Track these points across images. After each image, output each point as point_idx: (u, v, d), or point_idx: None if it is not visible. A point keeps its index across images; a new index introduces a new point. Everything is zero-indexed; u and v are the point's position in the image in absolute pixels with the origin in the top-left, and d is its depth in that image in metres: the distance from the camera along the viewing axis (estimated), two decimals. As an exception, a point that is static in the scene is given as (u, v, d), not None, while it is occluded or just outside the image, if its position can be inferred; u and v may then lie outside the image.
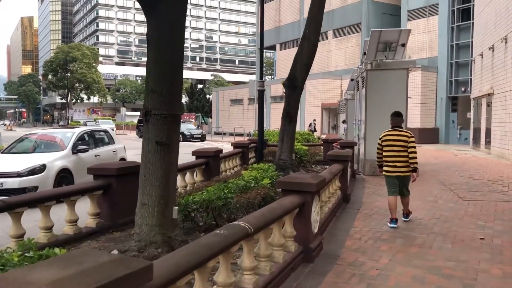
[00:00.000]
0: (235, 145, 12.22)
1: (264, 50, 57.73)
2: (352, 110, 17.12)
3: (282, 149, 11.32)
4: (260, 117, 14.87)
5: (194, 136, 36.03)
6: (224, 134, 43.21)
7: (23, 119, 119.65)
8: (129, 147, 30.20)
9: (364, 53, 13.39)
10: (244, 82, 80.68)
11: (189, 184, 8.65)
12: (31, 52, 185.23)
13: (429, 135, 29.24)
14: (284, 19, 48.06)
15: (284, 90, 11.53)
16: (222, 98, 48.87)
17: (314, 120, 33.52)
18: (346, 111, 18.05)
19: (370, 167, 12.27)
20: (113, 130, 54.30)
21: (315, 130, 30.66)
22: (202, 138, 36.50)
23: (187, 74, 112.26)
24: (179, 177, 7.85)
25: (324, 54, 41.96)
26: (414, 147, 6.87)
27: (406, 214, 7.24)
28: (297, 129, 34.90)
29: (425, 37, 31.68)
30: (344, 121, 20.18)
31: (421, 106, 29.32)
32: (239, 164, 11.96)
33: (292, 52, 48.36)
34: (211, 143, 30.57)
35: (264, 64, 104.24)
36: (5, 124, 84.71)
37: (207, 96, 53.91)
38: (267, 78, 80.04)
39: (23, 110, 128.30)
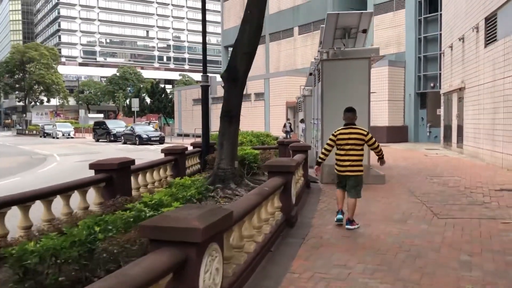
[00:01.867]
0: (166, 151, 10.10)
1: (230, 48, 55.96)
2: (310, 108, 15.25)
3: (222, 156, 9.30)
4: (205, 116, 12.86)
5: (152, 138, 33.66)
6: (187, 135, 40.92)
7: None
8: (76, 151, 27.93)
9: (320, 42, 11.52)
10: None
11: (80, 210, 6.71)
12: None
13: (398, 134, 27.75)
14: (249, 16, 46.11)
15: (223, 84, 9.51)
16: (185, 97, 46.52)
17: (288, 119, 31.49)
18: (304, 109, 16.10)
19: (328, 174, 10.38)
20: (69, 134, 51.76)
21: (291, 131, 28.41)
22: (161, 140, 34.14)
23: (154, 74, 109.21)
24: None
25: (290, 52, 40.25)
26: (375, 142, 6.58)
27: (348, 220, 6.56)
28: (263, 130, 33.13)
29: (392, 32, 30.24)
30: (302, 121, 18.15)
31: (388, 103, 27.81)
32: (170, 175, 9.85)
33: (258, 50, 46.61)
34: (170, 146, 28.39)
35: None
36: None
37: (169, 96, 51.44)
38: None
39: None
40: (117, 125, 40.68)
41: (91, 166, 7.18)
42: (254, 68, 41.29)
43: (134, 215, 4.76)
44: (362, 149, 6.60)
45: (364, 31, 10.91)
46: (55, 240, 3.90)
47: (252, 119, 35.26)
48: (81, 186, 6.62)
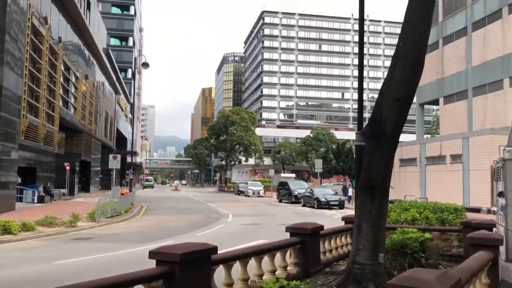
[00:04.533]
0: (291, 230, 7.78)
1: (426, 105, 51.12)
2: (515, 177, 10.99)
3: (359, 244, 6.55)
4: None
5: (330, 202, 31.44)
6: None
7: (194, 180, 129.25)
8: (252, 212, 27.38)
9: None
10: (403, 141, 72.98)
11: (279, 268, 7.03)
12: (208, 119, 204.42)
13: None
14: (448, 70, 41.40)
15: (364, 143, 6.90)
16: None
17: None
18: (504, 178, 11.81)
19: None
20: (259, 192, 53.26)
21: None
22: (340, 205, 31.64)
23: (347, 135, 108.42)
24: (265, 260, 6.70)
25: (498, 107, 34.07)
26: None
27: None
28: (460, 199, 27.69)
29: None
30: (500, 194, 13.55)
31: None
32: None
33: (458, 106, 40.97)
34: (350, 212, 25.81)
35: (434, 121, 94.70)
36: (168, 183, 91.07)
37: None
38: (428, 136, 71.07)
39: (197, 171, 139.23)
40: (299, 186, 39.87)
41: (288, 229, 7.73)
42: (451, 126, 35.92)
43: None
44: None
45: None
46: None
47: (446, 186, 30.17)
48: (283, 247, 7.04)
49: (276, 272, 6.85)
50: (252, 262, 6.38)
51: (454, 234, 9.85)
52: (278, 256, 7.06)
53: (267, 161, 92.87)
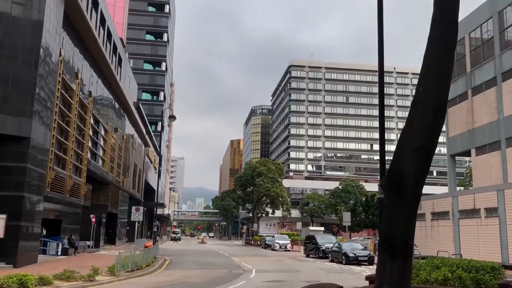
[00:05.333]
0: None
1: (458, 157, 49.61)
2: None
3: (379, 312, 5.85)
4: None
5: (359, 258, 30.04)
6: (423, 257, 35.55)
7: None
8: (276, 268, 26.10)
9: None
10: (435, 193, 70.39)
11: None
12: (236, 170, 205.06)
13: None
14: (478, 120, 40.38)
15: (383, 196, 6.36)
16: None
17: None
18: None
19: None
20: (286, 246, 51.80)
21: None
22: (370, 261, 30.16)
23: (370, 187, 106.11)
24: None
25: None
26: None
27: None
28: (497, 256, 25.99)
29: None
30: None
31: None
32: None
33: (491, 157, 39.49)
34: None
35: (467, 173, 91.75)
36: (196, 235, 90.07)
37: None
38: (461, 188, 68.59)
39: (224, 223, 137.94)
40: (326, 240, 38.50)
41: None
42: (485, 178, 34.44)
43: None
44: None
45: None
46: None
47: (482, 241, 28.51)
48: None
49: None
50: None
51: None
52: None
53: (295, 213, 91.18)
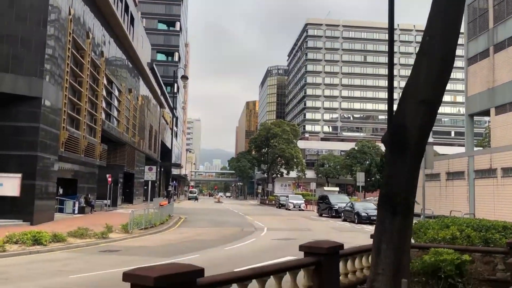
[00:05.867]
0: (305, 249, 7.01)
1: (476, 117, 48.50)
2: None
3: (378, 268, 5.73)
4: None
5: (371, 217, 30.04)
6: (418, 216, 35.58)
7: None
8: (288, 226, 26.42)
9: None
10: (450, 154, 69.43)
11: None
12: (252, 132, 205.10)
13: None
14: (499, 78, 39.14)
15: (384, 152, 6.12)
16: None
17: None
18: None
19: None
20: (300, 206, 52.20)
21: None
22: (382, 220, 30.15)
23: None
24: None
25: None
26: None
27: None
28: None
29: None
30: None
31: None
32: None
33: (511, 117, 38.54)
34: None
35: (486, 133, 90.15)
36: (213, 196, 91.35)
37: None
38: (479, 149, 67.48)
39: (240, 183, 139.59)
40: (339, 200, 38.58)
41: (301, 248, 7.04)
42: (504, 138, 33.72)
43: None
44: None
45: None
46: None
47: (497, 202, 28.15)
48: (293, 268, 6.33)
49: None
50: (255, 285, 5.70)
51: (499, 256, 8.72)
52: (288, 278, 6.36)
53: (310, 174, 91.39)
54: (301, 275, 6.84)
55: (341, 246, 7.42)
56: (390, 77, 9.13)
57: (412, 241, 12.26)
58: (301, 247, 7.10)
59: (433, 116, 5.92)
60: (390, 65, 9.13)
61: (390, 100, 9.25)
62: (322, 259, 6.79)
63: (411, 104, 5.83)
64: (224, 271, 5.67)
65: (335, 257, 7.23)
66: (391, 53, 9.17)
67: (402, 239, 5.76)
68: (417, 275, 7.78)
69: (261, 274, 5.68)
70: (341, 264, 7.81)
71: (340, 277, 7.58)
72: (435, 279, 7.33)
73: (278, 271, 6.04)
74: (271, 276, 5.95)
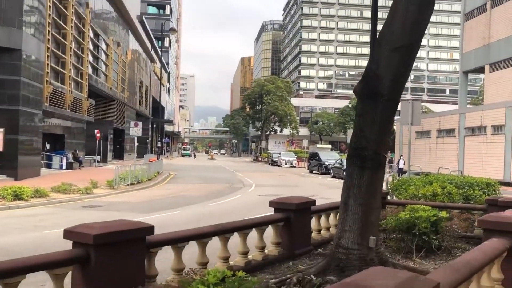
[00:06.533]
0: (275, 205, 6.81)
1: (471, 74, 47.90)
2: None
3: (345, 225, 5.49)
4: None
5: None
6: (404, 172, 35.69)
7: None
8: (277, 183, 26.46)
9: None
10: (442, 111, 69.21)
11: (257, 249, 6.23)
12: (247, 89, 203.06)
13: None
14: (495, 34, 38.36)
15: (356, 102, 5.77)
16: (407, 129, 41.24)
17: None
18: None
19: None
20: (292, 163, 52.33)
21: None
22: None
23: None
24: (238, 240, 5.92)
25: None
26: None
27: None
28: (501, 174, 25.65)
29: None
30: None
31: None
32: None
33: (505, 73, 37.95)
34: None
35: (481, 91, 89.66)
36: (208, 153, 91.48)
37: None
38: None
39: (235, 141, 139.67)
40: (329, 157, 38.55)
41: (271, 204, 6.97)
42: (497, 96, 33.32)
43: None
44: None
45: None
46: None
47: (486, 159, 28.15)
48: (260, 224, 6.28)
49: (251, 255, 5.93)
50: (218, 242, 5.47)
51: (477, 213, 8.57)
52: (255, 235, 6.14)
53: (304, 131, 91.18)
54: (270, 232, 6.64)
55: (313, 202, 7.22)
56: (373, 30, 8.66)
57: (394, 198, 12.14)
58: (271, 203, 6.92)
59: (409, 63, 5.52)
60: (374, 14, 8.64)
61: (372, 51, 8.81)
62: (291, 215, 6.62)
63: (385, 51, 5.42)
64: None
65: (306, 213, 7.05)
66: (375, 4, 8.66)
67: (371, 194, 5.49)
68: (392, 232, 7.62)
69: (224, 231, 5.45)
70: (314, 220, 7.64)
71: (313, 233, 7.42)
72: (410, 236, 7.16)
73: (243, 227, 5.81)
74: (235, 233, 5.72)
